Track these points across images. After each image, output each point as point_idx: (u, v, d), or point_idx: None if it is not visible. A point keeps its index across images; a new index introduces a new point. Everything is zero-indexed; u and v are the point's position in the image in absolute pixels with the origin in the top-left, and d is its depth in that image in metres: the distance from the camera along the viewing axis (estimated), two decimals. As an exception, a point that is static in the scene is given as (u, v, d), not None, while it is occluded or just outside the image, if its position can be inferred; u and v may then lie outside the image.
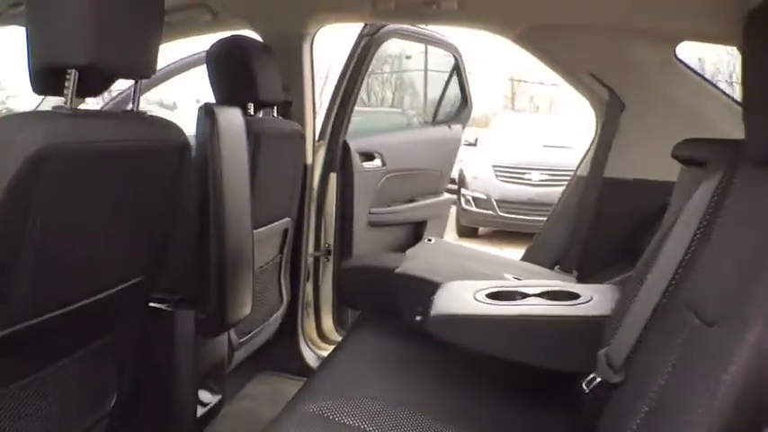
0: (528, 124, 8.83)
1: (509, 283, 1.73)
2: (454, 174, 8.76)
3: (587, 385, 1.28)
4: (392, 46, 3.74)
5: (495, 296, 1.60)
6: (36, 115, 1.18)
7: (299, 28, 2.36)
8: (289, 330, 2.54)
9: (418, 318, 1.64)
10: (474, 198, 7.46)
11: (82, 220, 1.18)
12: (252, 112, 2.07)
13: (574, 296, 1.57)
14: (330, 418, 1.35)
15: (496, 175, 7.33)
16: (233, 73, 2.01)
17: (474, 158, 7.93)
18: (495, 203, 7.17)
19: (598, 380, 1.26)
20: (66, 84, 1.13)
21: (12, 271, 1.05)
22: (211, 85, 2.06)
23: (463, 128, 3.54)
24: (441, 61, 3.53)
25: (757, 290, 0.87)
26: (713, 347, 0.91)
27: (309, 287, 2.68)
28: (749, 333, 0.80)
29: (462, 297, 1.60)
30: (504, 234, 7.19)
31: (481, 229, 7.76)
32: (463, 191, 7.68)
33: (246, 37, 2.08)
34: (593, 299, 1.54)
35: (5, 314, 1.07)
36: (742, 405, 0.69)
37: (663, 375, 1.05)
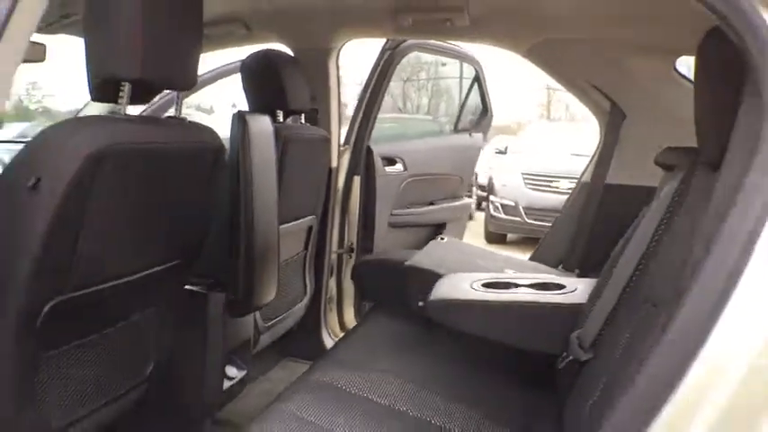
0: (559, 133, 8.88)
1: (505, 276, 1.90)
2: (484, 181, 8.90)
3: (561, 363, 1.45)
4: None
5: (489, 286, 1.77)
6: (95, 119, 1.39)
7: (325, 43, 2.54)
8: (312, 322, 2.72)
9: (420, 303, 1.83)
10: (502, 205, 7.56)
11: (130, 210, 1.38)
12: (281, 119, 2.23)
13: (560, 287, 1.74)
14: (339, 387, 1.54)
15: (525, 183, 7.40)
16: (265, 83, 2.18)
17: (503, 166, 8.05)
18: (522, 211, 7.26)
19: (570, 358, 1.43)
20: (121, 94, 1.31)
21: (71, 251, 1.25)
22: (245, 94, 2.24)
23: (484, 136, 3.71)
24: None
25: (674, 281, 1.01)
26: (648, 326, 1.08)
27: (333, 282, 2.86)
28: (662, 315, 0.95)
29: (460, 285, 1.78)
30: (533, 241, 7.26)
31: (510, 236, 7.85)
32: (492, 198, 7.80)
33: (277, 50, 2.25)
34: (577, 289, 1.70)
35: (66, 283, 1.28)
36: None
37: (619, 351, 1.22)
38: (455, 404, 1.49)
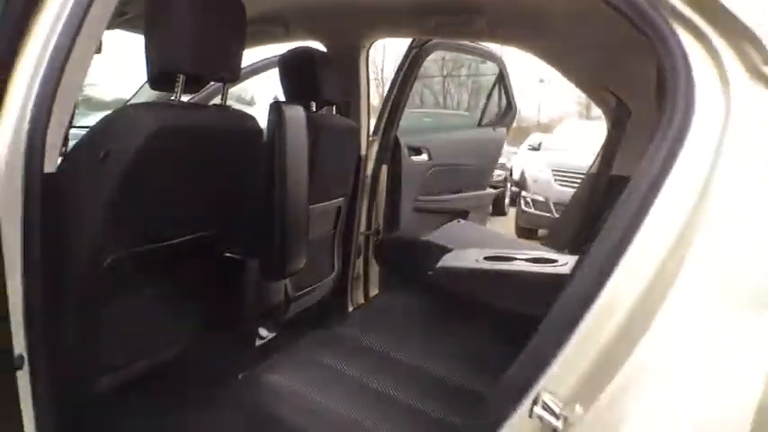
0: (592, 131, 8.96)
1: (505, 251, 2.11)
2: (516, 176, 9.02)
3: None
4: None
5: (491, 259, 1.99)
6: (155, 105, 1.65)
7: (356, 41, 2.77)
8: (339, 298, 2.96)
9: (430, 273, 2.05)
10: (533, 200, 7.71)
11: (180, 182, 1.62)
12: (314, 109, 2.45)
13: (553, 261, 1.96)
14: (354, 340, 1.78)
15: (555, 179, 7.55)
16: (300, 76, 2.39)
17: (535, 162, 8.20)
18: (552, 206, 7.39)
19: None
20: (176, 85, 1.55)
21: (131, 213, 1.50)
22: (282, 85, 2.45)
23: (507, 131, 3.91)
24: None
25: None
26: None
27: (360, 262, 3.10)
28: None
29: (465, 257, 2.00)
30: (563, 237, 7.38)
31: (540, 231, 7.99)
32: (523, 193, 7.95)
33: (313, 48, 2.47)
34: (567, 263, 1.91)
35: (125, 240, 1.53)
36: None
37: None
38: (455, 361, 1.71)
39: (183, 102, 1.60)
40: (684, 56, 0.94)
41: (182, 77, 1.55)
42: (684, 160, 0.90)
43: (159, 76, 1.57)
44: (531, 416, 0.87)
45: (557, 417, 0.85)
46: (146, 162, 1.45)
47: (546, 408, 0.86)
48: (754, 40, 0.90)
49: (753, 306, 0.86)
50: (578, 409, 0.86)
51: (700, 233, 0.88)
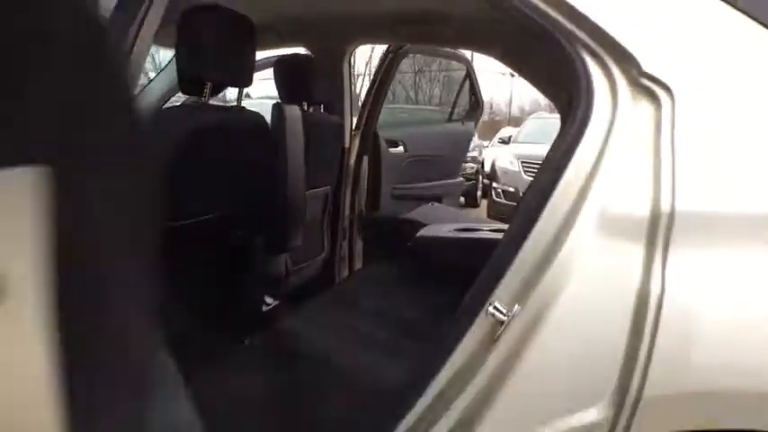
0: (558, 124, 9.37)
1: (473, 224, 2.51)
2: (488, 169, 9.40)
3: None
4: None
5: (460, 230, 2.38)
6: (191, 107, 2.01)
7: (339, 47, 3.13)
8: (329, 274, 3.32)
9: (409, 244, 2.44)
10: (503, 191, 8.16)
11: (207, 169, 1.98)
12: (305, 108, 2.77)
13: (511, 231, 2.35)
14: (345, 298, 2.16)
15: (524, 171, 8.00)
16: (294, 80, 2.74)
17: (505, 155, 8.65)
18: (522, 196, 7.82)
19: None
20: (204, 90, 1.91)
21: (175, 193, 1.86)
22: (277, 87, 2.79)
23: (475, 125, 4.31)
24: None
25: None
26: None
27: (345, 244, 3.46)
28: None
29: (438, 230, 2.39)
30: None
31: (511, 221, 8.40)
32: (494, 184, 8.39)
33: (303, 54, 2.85)
34: None
35: (171, 214, 1.87)
36: None
37: None
38: (429, 311, 2.07)
39: (210, 104, 1.97)
40: (587, 70, 1.34)
41: (209, 84, 1.92)
42: (585, 142, 1.29)
43: (190, 83, 1.94)
44: (486, 315, 1.27)
45: (503, 314, 1.25)
46: (185, 152, 1.79)
47: (496, 309, 1.26)
48: (631, 59, 1.30)
49: (623, 235, 1.27)
50: (516, 307, 1.25)
51: (592, 191, 1.28)
